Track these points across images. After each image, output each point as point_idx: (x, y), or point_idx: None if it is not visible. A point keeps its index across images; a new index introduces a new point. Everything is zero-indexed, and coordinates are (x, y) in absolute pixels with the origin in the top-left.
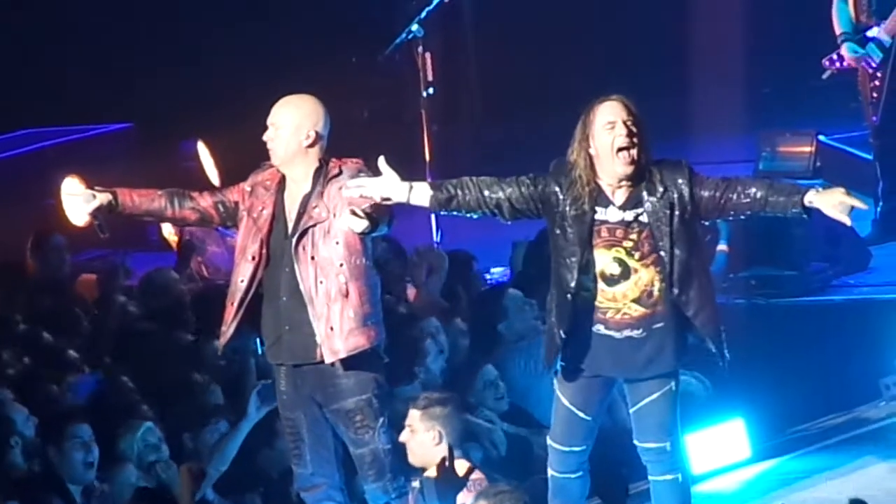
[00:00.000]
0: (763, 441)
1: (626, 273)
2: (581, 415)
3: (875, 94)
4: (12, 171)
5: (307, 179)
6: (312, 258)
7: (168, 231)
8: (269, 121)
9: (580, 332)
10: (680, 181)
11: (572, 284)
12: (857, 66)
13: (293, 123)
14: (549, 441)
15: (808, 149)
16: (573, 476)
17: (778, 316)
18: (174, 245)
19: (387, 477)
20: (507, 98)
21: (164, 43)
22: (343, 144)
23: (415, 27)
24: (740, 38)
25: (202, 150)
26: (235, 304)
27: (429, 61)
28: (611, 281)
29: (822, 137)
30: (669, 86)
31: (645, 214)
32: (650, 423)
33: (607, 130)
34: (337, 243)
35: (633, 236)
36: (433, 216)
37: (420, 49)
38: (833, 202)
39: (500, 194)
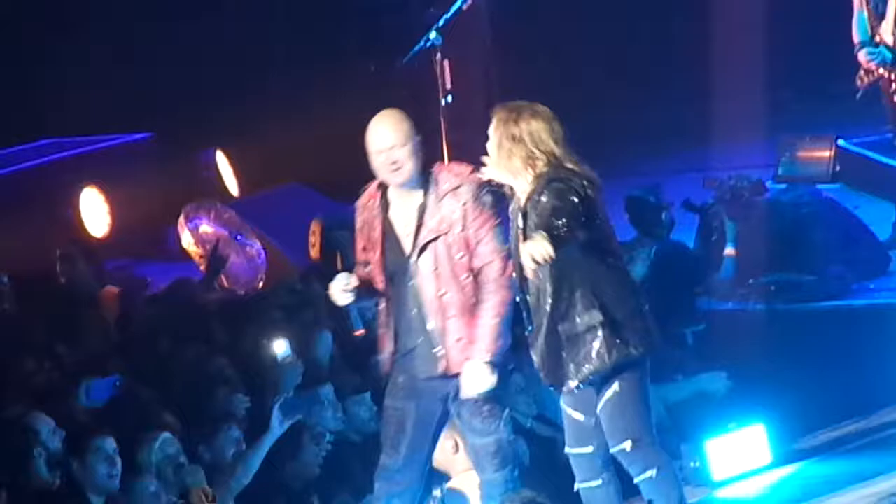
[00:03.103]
0: (784, 446)
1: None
2: (578, 417)
3: None
4: (32, 181)
5: (419, 189)
6: (436, 270)
7: (188, 241)
8: (378, 148)
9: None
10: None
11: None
12: (880, 74)
13: (409, 142)
14: (566, 450)
15: (827, 153)
16: (594, 485)
17: (797, 321)
18: (193, 256)
19: (508, 467)
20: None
21: (184, 53)
22: (362, 153)
23: (433, 35)
24: (760, 44)
25: (221, 159)
26: (384, 329)
27: (447, 69)
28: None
29: (841, 142)
30: (689, 92)
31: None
32: (607, 427)
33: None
34: (461, 255)
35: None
36: None
37: (438, 57)
38: None
39: None
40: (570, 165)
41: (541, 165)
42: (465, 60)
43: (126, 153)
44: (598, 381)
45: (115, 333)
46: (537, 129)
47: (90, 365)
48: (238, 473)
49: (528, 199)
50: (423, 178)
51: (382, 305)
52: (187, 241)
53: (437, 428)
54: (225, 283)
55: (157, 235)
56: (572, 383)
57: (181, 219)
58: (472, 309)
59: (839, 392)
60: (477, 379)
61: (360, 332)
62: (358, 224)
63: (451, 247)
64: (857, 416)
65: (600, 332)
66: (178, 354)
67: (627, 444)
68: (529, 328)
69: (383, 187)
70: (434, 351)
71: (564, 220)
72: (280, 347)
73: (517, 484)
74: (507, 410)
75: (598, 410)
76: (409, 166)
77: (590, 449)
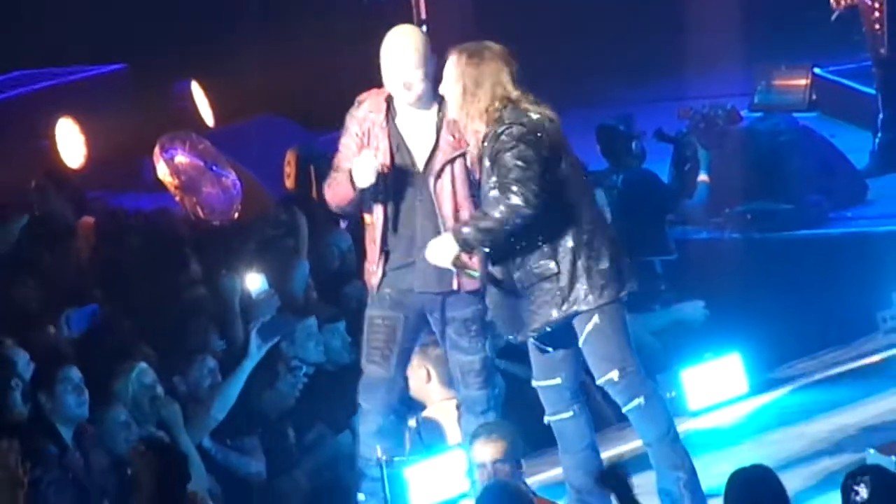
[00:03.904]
0: (760, 375)
1: None
2: (543, 346)
3: (878, 26)
4: (7, 113)
5: (431, 109)
6: (454, 189)
7: (163, 172)
8: (392, 67)
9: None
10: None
11: None
12: (860, 0)
13: (422, 66)
14: (533, 383)
15: (803, 82)
16: (566, 416)
17: (774, 250)
18: (169, 186)
19: (490, 386)
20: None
21: None
22: (336, 83)
23: None
24: None
25: (196, 90)
26: (378, 243)
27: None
28: None
29: (817, 70)
30: (665, 21)
31: None
32: (592, 360)
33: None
34: (476, 175)
35: None
36: None
37: None
38: None
39: None
40: (527, 106)
41: (499, 107)
42: None
43: (101, 84)
44: (566, 325)
45: (92, 264)
46: (496, 71)
47: (67, 296)
48: (216, 405)
49: (486, 141)
50: (438, 99)
51: (378, 217)
52: (162, 171)
53: (417, 344)
54: (200, 213)
55: (132, 166)
56: (529, 332)
57: (156, 149)
58: None
59: (815, 321)
60: (441, 247)
61: None
62: (353, 130)
63: (468, 167)
64: (834, 345)
65: (556, 282)
66: (154, 284)
67: (615, 374)
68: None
69: (390, 99)
70: (440, 266)
71: (524, 174)
72: (255, 282)
73: (498, 402)
74: (489, 331)
75: (580, 345)
76: (422, 87)
77: (558, 380)
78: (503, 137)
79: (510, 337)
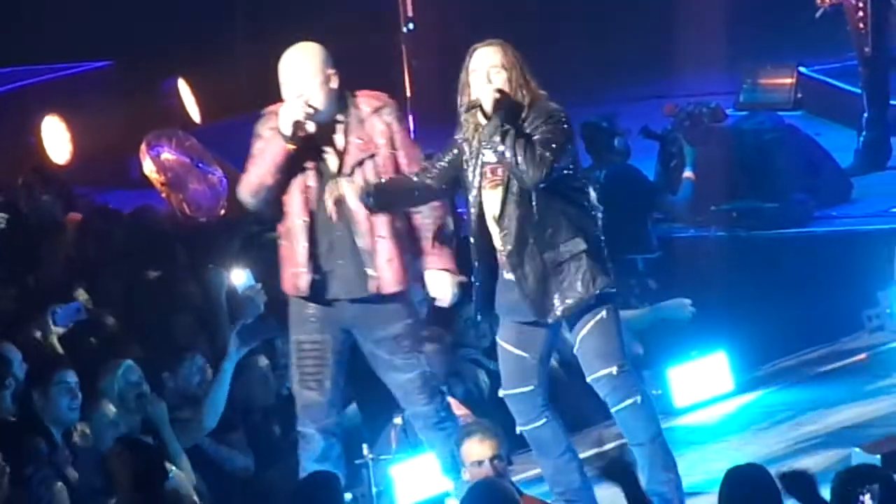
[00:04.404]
0: (746, 374)
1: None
2: (521, 353)
3: (862, 25)
4: None
5: (334, 113)
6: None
7: (149, 169)
8: (291, 87)
9: (492, 279)
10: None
11: (472, 228)
12: None
13: (315, 80)
14: (501, 392)
15: (789, 80)
16: (539, 424)
17: (760, 248)
18: (155, 183)
19: (437, 398)
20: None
21: None
22: None
23: None
24: None
25: (183, 87)
26: (306, 244)
27: None
28: (496, 221)
29: (803, 69)
30: (652, 20)
31: (497, 141)
32: (591, 353)
33: (474, 77)
34: (390, 176)
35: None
36: None
37: None
38: None
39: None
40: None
41: (536, 93)
42: None
43: (88, 81)
44: (579, 312)
45: (79, 260)
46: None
47: (54, 292)
48: (206, 415)
49: (537, 111)
50: (342, 103)
51: (298, 222)
52: (149, 168)
53: (350, 355)
54: (187, 210)
55: (119, 163)
56: (558, 312)
57: (143, 146)
58: (399, 230)
59: (801, 320)
60: (446, 287)
61: None
62: (267, 136)
63: (378, 166)
64: (819, 343)
65: (584, 260)
66: (143, 281)
67: (614, 369)
68: (510, 257)
69: None
70: (366, 270)
71: (563, 145)
72: (241, 278)
73: (449, 412)
74: (423, 343)
75: (579, 338)
76: (320, 98)
77: (531, 387)
78: (562, 115)
79: (539, 319)
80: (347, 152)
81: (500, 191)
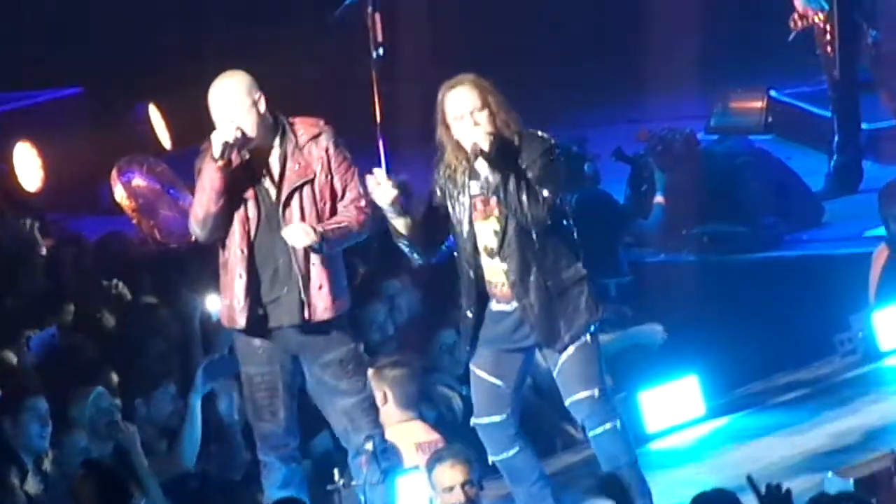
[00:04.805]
0: (717, 398)
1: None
2: (495, 381)
3: (830, 49)
4: None
5: (271, 140)
6: (302, 216)
7: (120, 195)
8: (221, 114)
9: (481, 309)
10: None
11: (466, 261)
12: (814, 21)
13: (243, 106)
14: (472, 421)
15: (759, 104)
16: (512, 453)
17: (731, 272)
18: (126, 209)
19: (379, 423)
20: (459, 58)
21: (113, 5)
22: (294, 106)
23: None
24: None
25: (153, 113)
26: (245, 277)
27: (378, 22)
28: (492, 253)
29: (773, 93)
30: (622, 43)
31: (497, 184)
32: (573, 376)
33: (457, 123)
34: (325, 202)
35: (496, 206)
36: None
37: (370, 10)
38: None
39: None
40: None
41: (518, 124)
42: (397, 14)
43: (58, 108)
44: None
45: (51, 286)
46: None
47: (28, 318)
48: (184, 454)
49: (529, 141)
50: (279, 129)
51: (237, 251)
52: (120, 194)
53: (301, 383)
54: (158, 236)
55: (90, 189)
56: (566, 339)
57: (114, 173)
58: (332, 260)
59: (772, 344)
60: (298, 231)
61: None
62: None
63: (315, 194)
64: (791, 367)
65: (586, 286)
66: (112, 307)
67: (595, 392)
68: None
69: None
70: (301, 297)
71: (561, 180)
72: (216, 304)
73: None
74: (367, 366)
75: (560, 361)
76: (248, 121)
77: (503, 416)
78: (554, 146)
79: (548, 348)
80: (285, 178)
81: (493, 221)
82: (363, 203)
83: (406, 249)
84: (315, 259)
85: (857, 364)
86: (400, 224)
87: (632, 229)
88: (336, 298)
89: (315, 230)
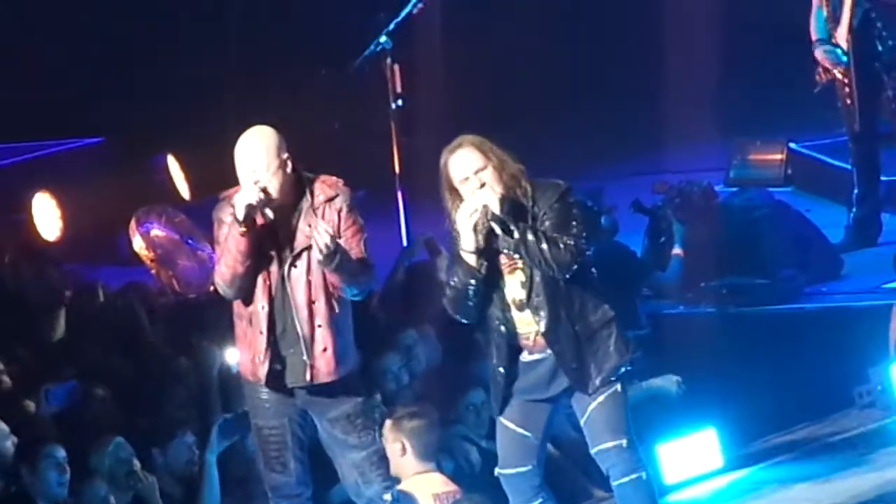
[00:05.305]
0: (735, 450)
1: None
2: (522, 432)
3: (850, 101)
4: None
5: (290, 198)
6: (308, 279)
7: (139, 245)
8: (247, 173)
9: (513, 363)
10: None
11: (498, 317)
12: (834, 74)
13: (270, 167)
14: (496, 472)
15: (779, 157)
16: None
17: (750, 324)
18: (145, 259)
19: (392, 478)
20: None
21: (135, 57)
22: (313, 157)
23: (383, 39)
24: (713, 47)
25: (172, 163)
26: (266, 333)
27: (397, 73)
28: (521, 306)
29: (793, 145)
30: (641, 94)
31: (517, 242)
32: (601, 425)
33: (464, 185)
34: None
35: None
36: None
37: (389, 61)
38: None
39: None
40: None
41: (525, 176)
42: (416, 65)
43: (78, 158)
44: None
45: (70, 338)
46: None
47: (45, 371)
48: None
49: (543, 191)
50: (302, 186)
51: (262, 306)
52: (138, 244)
53: (312, 434)
54: (176, 286)
55: (108, 239)
56: (597, 382)
57: (132, 223)
58: (336, 318)
59: (791, 396)
60: (323, 234)
61: None
62: (228, 221)
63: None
64: (809, 420)
65: (614, 327)
66: (132, 358)
67: (624, 441)
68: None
69: None
70: (304, 359)
71: (581, 223)
72: (235, 356)
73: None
74: (379, 420)
75: (590, 409)
76: (275, 184)
77: (529, 467)
78: (566, 191)
79: (579, 392)
80: (295, 238)
81: (518, 274)
82: (367, 266)
83: (471, 291)
84: (320, 320)
85: (875, 417)
86: (472, 260)
87: (650, 281)
88: (340, 362)
89: (332, 237)
